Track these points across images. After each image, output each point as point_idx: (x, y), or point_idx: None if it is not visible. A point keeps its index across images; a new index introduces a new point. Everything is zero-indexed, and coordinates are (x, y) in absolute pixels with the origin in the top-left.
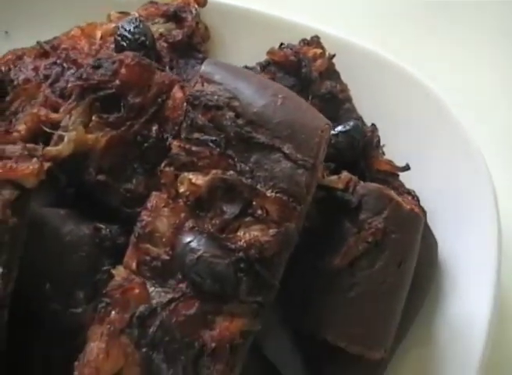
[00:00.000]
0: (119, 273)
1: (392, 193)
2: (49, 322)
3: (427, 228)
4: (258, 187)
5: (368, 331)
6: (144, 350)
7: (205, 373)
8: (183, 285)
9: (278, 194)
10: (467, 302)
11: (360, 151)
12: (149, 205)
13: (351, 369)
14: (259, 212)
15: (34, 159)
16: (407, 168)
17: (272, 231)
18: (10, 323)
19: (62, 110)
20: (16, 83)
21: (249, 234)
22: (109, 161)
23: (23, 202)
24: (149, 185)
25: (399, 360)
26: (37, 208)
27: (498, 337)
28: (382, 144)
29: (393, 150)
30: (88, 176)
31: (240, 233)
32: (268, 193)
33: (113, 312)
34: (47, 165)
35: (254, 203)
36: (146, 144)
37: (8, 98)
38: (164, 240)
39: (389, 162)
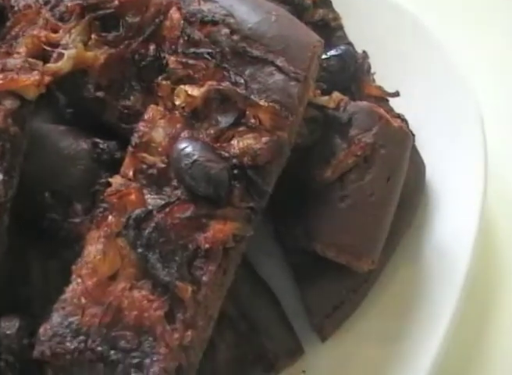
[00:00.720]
0: (116, 180)
1: (382, 111)
2: (48, 231)
3: (415, 151)
4: (252, 97)
5: (356, 241)
6: (139, 250)
7: (199, 274)
8: (178, 191)
9: (271, 104)
10: (454, 222)
11: (351, 74)
12: (146, 116)
13: (340, 282)
14: (252, 121)
15: (35, 72)
16: (396, 94)
17: (264, 139)
18: (10, 231)
19: (61, 30)
20: (16, 9)
21: (242, 142)
22: (107, 78)
23: (23, 113)
24: (146, 102)
25: (387, 278)
26: (37, 124)
27: (482, 255)
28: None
29: (382, 77)
30: (87, 93)
31: (234, 142)
32: (262, 102)
33: (110, 217)
34: (47, 78)
35: (247, 113)
36: (143, 63)
37: (8, 24)
38: (160, 149)
39: (379, 88)
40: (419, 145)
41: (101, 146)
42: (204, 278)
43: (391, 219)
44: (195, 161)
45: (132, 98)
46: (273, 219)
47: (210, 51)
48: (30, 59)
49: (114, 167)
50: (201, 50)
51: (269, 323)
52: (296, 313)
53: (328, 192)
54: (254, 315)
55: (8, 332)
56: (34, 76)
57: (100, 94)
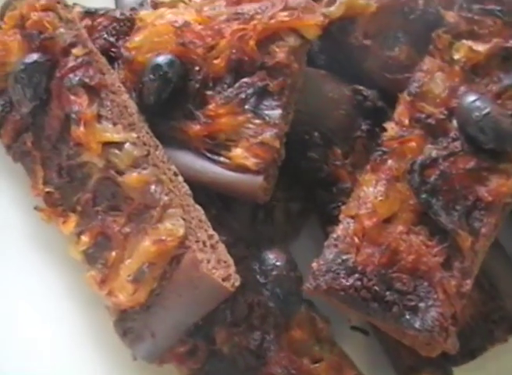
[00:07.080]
0: (391, 126)
1: None
2: (306, 171)
3: None
4: None
5: None
6: (423, 196)
7: (477, 225)
8: (456, 143)
9: None
10: None
11: None
12: (424, 67)
13: None
14: None
15: (318, 13)
16: None
17: None
18: None
19: None
20: None
21: None
22: (375, 27)
23: (302, 51)
24: (411, 55)
25: None
26: None
27: None
28: None
29: None
30: (354, 39)
31: None
32: None
33: (389, 161)
34: (326, 20)
35: None
36: (412, 15)
37: None
38: (438, 101)
39: None
40: None
41: (364, 93)
42: (483, 230)
43: None
44: (487, 113)
45: (396, 49)
46: None
47: (499, 8)
48: (310, 0)
49: (374, 115)
50: (490, 7)
51: (508, 285)
52: None
53: None
54: (493, 275)
55: (278, 263)
56: (318, 17)
57: (367, 42)
